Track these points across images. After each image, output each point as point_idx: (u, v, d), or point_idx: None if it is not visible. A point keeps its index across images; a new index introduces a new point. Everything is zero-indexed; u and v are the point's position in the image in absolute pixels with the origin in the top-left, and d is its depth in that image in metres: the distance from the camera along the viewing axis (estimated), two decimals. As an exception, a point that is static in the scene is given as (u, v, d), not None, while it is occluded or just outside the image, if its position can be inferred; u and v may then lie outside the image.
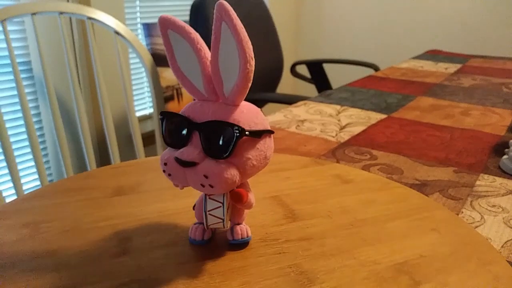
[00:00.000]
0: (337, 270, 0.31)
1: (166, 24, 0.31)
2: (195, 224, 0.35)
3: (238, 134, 0.29)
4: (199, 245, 0.34)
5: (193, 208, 0.35)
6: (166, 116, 0.32)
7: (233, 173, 0.29)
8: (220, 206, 0.31)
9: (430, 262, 0.33)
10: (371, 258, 0.33)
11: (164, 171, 0.31)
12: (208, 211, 0.31)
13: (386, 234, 0.36)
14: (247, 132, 0.29)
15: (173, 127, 0.31)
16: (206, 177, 0.29)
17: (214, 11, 0.29)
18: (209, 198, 0.31)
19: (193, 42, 0.31)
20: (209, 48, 0.31)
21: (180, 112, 0.32)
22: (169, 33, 0.31)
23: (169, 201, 0.41)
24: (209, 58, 0.31)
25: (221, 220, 0.31)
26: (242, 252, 0.34)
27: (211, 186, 0.29)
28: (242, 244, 0.34)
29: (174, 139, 0.31)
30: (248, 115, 0.31)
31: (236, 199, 0.31)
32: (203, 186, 0.29)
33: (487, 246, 0.35)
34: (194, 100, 0.33)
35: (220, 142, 0.29)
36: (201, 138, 0.29)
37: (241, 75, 0.29)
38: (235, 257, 0.33)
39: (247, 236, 0.34)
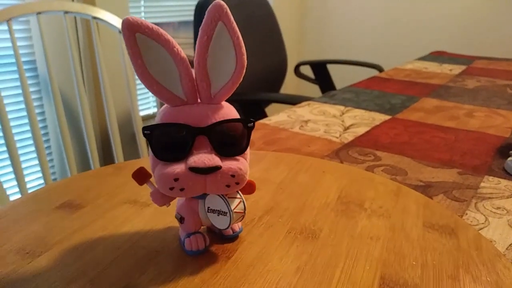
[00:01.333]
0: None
1: (133, 28, 0.28)
2: (188, 235, 0.33)
3: (251, 127, 0.30)
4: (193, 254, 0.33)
5: (181, 221, 0.33)
6: (156, 129, 0.29)
7: (248, 165, 0.30)
8: (241, 201, 0.32)
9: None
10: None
11: (172, 188, 0.28)
12: (234, 209, 0.31)
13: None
14: (251, 124, 0.30)
15: (171, 138, 0.29)
16: (233, 176, 0.29)
17: (210, 10, 0.29)
18: (229, 197, 0.31)
19: (170, 45, 0.29)
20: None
21: (168, 121, 0.29)
22: (137, 37, 0.28)
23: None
24: (187, 60, 0.30)
25: (243, 214, 0.32)
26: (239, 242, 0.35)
27: (237, 184, 0.29)
28: (235, 237, 0.35)
29: (173, 151, 0.29)
30: (234, 110, 0.32)
31: (249, 190, 0.33)
32: (228, 186, 0.29)
33: None
34: (166, 106, 0.30)
35: (236, 140, 0.30)
36: (212, 141, 0.29)
37: (235, 77, 0.30)
38: (233, 248, 0.33)
39: (240, 227, 0.36)
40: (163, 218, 0.38)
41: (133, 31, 0.28)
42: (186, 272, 0.31)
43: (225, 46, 0.30)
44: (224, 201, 0.31)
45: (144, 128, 0.28)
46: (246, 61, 0.30)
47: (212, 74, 0.30)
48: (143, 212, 0.39)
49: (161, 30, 0.29)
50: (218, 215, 0.31)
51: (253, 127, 0.30)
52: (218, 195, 0.31)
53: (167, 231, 0.36)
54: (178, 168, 0.28)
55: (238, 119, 0.30)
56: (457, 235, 0.37)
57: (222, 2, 0.29)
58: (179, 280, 0.30)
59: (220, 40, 0.29)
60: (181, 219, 0.33)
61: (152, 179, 0.30)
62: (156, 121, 0.30)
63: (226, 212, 0.31)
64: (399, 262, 0.33)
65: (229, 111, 0.31)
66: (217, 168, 0.28)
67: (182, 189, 0.28)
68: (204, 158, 0.28)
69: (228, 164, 0.29)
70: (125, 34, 0.28)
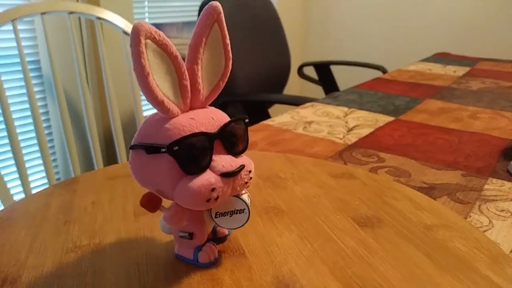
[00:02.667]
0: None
1: (144, 33, 0.26)
2: (199, 248, 0.32)
3: (248, 123, 0.31)
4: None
5: (190, 238, 0.31)
6: (181, 143, 0.27)
7: None
8: (248, 194, 0.32)
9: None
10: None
11: (209, 200, 0.27)
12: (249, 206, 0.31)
13: None
14: (247, 120, 0.31)
15: (196, 150, 0.27)
16: (249, 172, 0.30)
17: (207, 11, 0.29)
18: (239, 197, 0.31)
19: (170, 50, 0.28)
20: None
21: (188, 132, 0.28)
22: (147, 44, 0.26)
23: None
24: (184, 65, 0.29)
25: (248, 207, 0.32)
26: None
27: (251, 179, 0.30)
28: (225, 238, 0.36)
29: (198, 162, 0.27)
30: (219, 110, 0.32)
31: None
32: (246, 183, 0.30)
33: None
34: (163, 118, 0.28)
35: (241, 138, 0.30)
36: (224, 144, 0.29)
37: (223, 79, 0.31)
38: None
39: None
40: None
41: (145, 37, 0.26)
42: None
43: (216, 49, 0.30)
44: (241, 199, 0.31)
45: (172, 145, 0.26)
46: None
47: (204, 76, 0.30)
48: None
49: (165, 36, 0.28)
50: (231, 216, 0.31)
51: (248, 122, 0.31)
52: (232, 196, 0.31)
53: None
54: (211, 177, 0.27)
55: (239, 117, 0.31)
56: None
57: (217, 3, 0.29)
58: None
59: (212, 42, 0.30)
60: (190, 235, 0.31)
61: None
62: (158, 136, 0.28)
63: (244, 209, 0.31)
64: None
65: (221, 112, 0.31)
66: (242, 168, 0.29)
67: (216, 198, 0.27)
68: (228, 161, 0.28)
69: (243, 161, 0.30)
70: (137, 41, 0.26)
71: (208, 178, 0.27)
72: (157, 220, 0.34)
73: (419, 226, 0.38)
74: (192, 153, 0.27)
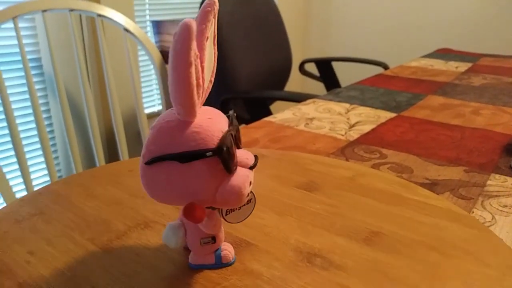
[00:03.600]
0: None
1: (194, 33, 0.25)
2: (218, 250, 0.31)
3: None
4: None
5: (214, 241, 0.30)
6: (225, 142, 0.26)
7: None
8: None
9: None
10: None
11: (248, 195, 0.27)
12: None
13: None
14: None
15: (232, 147, 0.27)
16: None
17: (208, 5, 0.27)
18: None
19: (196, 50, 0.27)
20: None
21: (221, 133, 0.27)
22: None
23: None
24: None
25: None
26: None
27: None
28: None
29: (235, 158, 0.27)
30: None
31: None
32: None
33: None
34: (184, 122, 0.27)
35: (239, 132, 0.30)
36: (235, 139, 0.29)
37: (213, 75, 0.30)
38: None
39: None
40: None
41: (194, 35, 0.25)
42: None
43: (211, 44, 0.29)
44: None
45: (221, 147, 0.26)
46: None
47: (206, 75, 0.30)
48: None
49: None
50: (239, 209, 0.31)
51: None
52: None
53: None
54: (246, 172, 0.27)
55: (234, 112, 0.30)
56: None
57: None
58: None
59: (210, 37, 0.29)
60: (214, 239, 0.30)
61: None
62: (187, 143, 0.26)
63: (251, 199, 0.31)
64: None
65: (211, 108, 0.31)
66: (258, 159, 0.29)
67: (248, 192, 0.27)
68: (245, 154, 0.28)
69: (249, 153, 0.29)
70: (188, 34, 0.24)
71: (244, 173, 0.27)
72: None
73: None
74: (232, 152, 0.27)
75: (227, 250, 0.31)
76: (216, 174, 0.26)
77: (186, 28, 0.23)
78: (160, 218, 0.37)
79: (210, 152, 0.25)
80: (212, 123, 0.27)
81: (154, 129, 0.27)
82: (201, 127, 0.26)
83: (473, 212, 0.44)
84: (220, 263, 0.31)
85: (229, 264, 0.31)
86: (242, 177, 0.27)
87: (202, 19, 0.28)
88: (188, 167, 0.26)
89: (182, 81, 0.24)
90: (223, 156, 0.26)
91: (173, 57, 0.24)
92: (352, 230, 0.36)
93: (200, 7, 1.42)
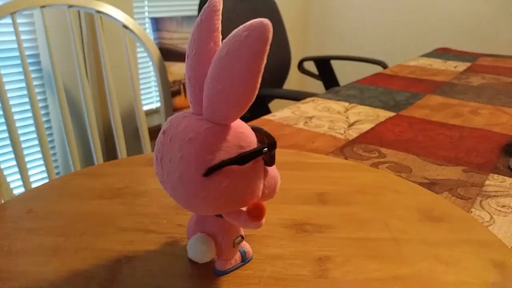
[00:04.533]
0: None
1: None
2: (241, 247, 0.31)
3: None
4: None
5: (243, 238, 0.31)
6: (271, 137, 0.27)
7: None
8: None
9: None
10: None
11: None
12: None
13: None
14: None
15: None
16: None
17: (213, 5, 0.27)
18: None
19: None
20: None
21: (249, 131, 0.27)
22: None
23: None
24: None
25: None
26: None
27: None
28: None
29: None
30: None
31: None
32: None
33: None
34: (209, 128, 0.26)
35: None
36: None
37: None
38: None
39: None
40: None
41: None
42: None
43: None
44: None
45: (272, 143, 0.27)
46: None
47: None
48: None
49: None
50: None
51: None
52: None
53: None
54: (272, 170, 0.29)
55: None
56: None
57: None
58: None
59: None
60: (243, 237, 0.30)
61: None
62: (239, 143, 0.26)
63: None
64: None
65: None
66: None
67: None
68: None
69: None
70: (267, 37, 0.24)
71: (274, 167, 0.28)
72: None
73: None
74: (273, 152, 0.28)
75: (247, 245, 0.32)
76: (263, 169, 0.27)
77: (266, 28, 0.23)
78: (161, 219, 0.37)
79: (266, 148, 0.26)
80: (239, 121, 0.27)
81: (195, 140, 0.25)
82: (241, 127, 0.26)
83: (471, 212, 0.44)
84: (245, 260, 0.31)
85: (251, 259, 0.32)
86: (275, 169, 0.29)
87: (216, 17, 0.27)
88: (247, 168, 0.26)
89: (252, 85, 0.24)
90: (273, 150, 0.27)
91: (250, 60, 0.24)
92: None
93: (199, 5, 1.40)
